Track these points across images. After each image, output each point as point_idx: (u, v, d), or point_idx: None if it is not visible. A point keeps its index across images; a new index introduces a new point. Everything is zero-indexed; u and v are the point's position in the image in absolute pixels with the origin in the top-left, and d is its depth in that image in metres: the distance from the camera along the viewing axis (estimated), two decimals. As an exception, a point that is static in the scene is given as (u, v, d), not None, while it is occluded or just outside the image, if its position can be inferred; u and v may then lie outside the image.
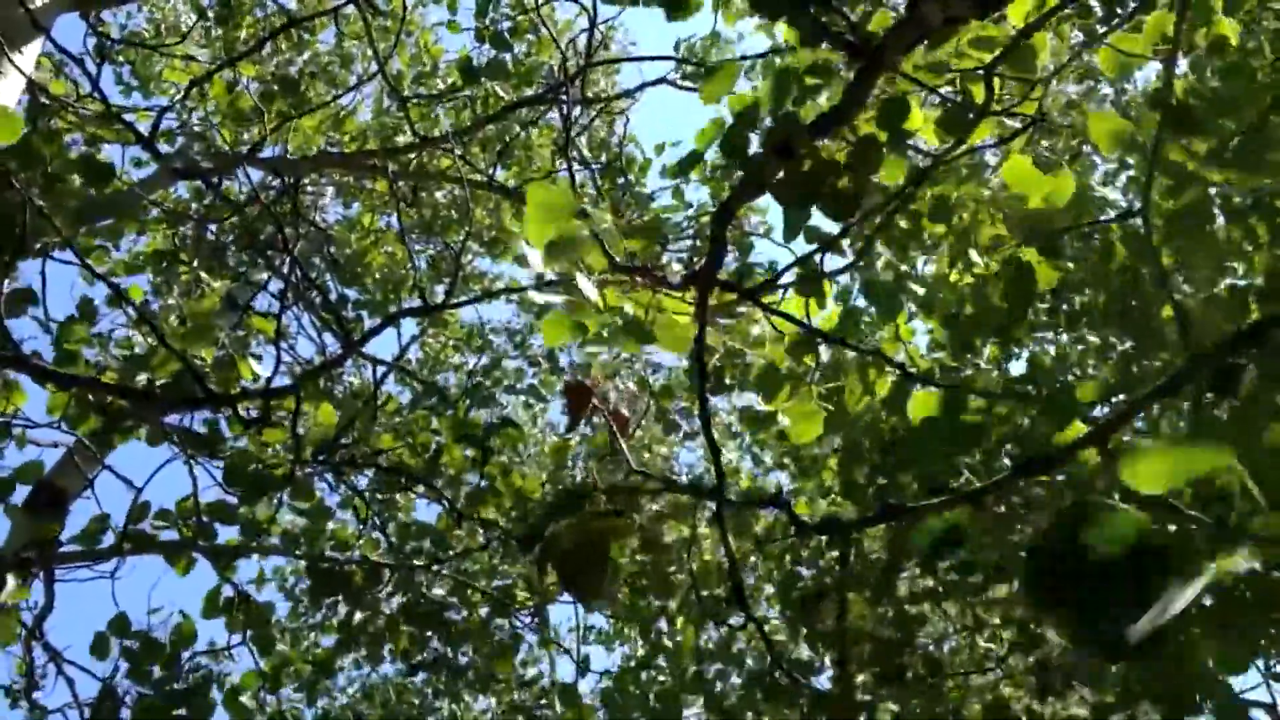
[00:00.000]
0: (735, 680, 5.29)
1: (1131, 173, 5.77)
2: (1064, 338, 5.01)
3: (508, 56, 7.11)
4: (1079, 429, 2.44)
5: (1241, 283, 4.34)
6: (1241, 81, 3.42)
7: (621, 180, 8.36)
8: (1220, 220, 4.17)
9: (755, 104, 3.21)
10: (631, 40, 10.05)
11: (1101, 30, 3.72)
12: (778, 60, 3.47)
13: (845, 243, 3.26)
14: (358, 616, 5.58)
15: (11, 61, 4.27)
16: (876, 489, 3.33)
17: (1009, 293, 3.18)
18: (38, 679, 5.38)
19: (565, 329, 2.46)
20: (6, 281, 4.48)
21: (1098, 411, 4.15)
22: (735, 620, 5.81)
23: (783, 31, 3.37)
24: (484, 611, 5.82)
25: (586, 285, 2.40)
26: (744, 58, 7.06)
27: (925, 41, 2.90)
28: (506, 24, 7.04)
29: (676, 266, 8.22)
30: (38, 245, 4.57)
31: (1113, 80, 6.44)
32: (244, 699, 5.76)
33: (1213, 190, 3.62)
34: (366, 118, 8.74)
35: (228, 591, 5.55)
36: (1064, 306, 4.56)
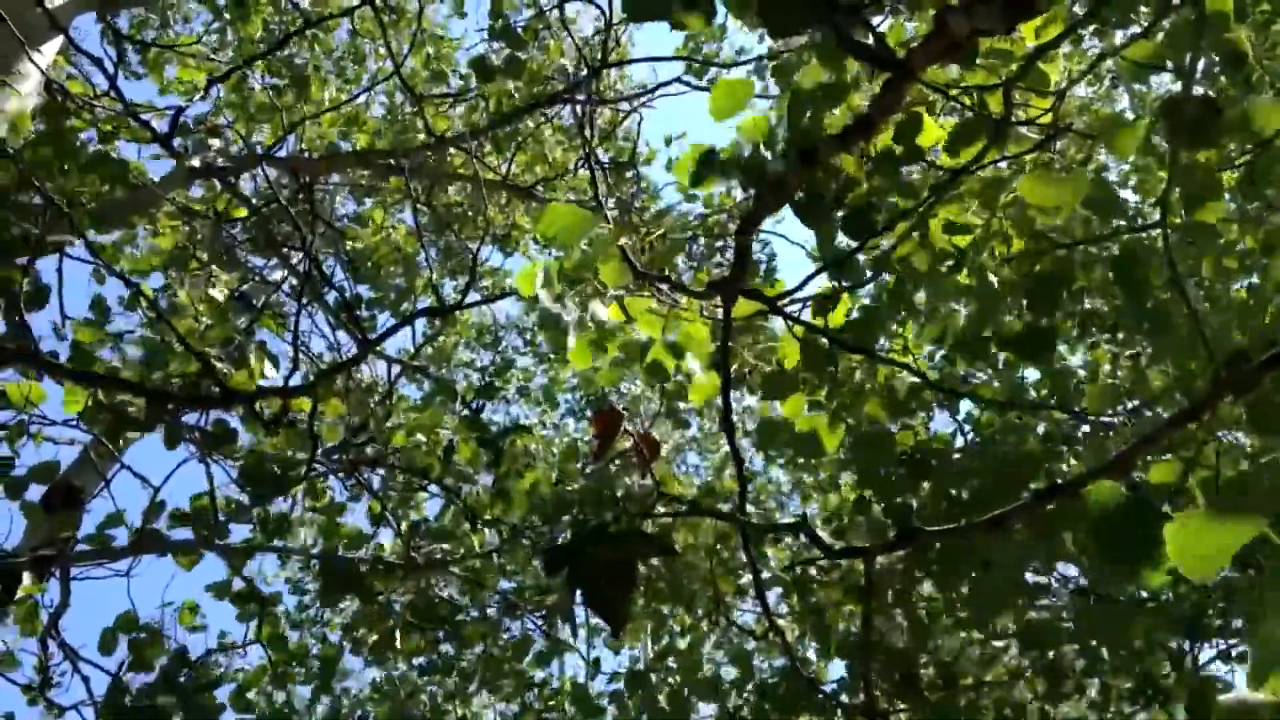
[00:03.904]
0: (750, 686, 5.31)
1: (1145, 176, 5.78)
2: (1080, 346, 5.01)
3: (521, 55, 7.12)
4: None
5: (1253, 282, 4.35)
6: (1255, 95, 3.42)
7: (632, 175, 8.39)
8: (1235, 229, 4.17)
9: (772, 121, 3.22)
10: (637, 28, 9.99)
11: (1119, 38, 3.72)
12: (791, 66, 3.46)
13: (861, 258, 3.28)
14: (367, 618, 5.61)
15: (34, 62, 4.28)
16: (893, 505, 3.35)
17: (1030, 304, 3.19)
18: (54, 677, 5.40)
19: (589, 353, 2.48)
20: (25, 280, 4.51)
21: (1112, 421, 4.16)
22: (750, 624, 5.84)
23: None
24: (494, 611, 5.84)
25: (601, 309, 2.43)
26: (756, 59, 7.08)
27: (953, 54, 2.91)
28: (520, 23, 7.05)
29: (686, 266, 8.24)
30: (53, 241, 4.59)
31: (1129, 84, 6.43)
32: (251, 695, 5.80)
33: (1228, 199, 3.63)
34: (379, 113, 8.76)
35: (238, 585, 5.59)
36: (1079, 311, 4.57)
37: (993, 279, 3.33)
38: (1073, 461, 3.63)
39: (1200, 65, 3.35)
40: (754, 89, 3.09)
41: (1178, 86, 3.42)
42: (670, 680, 5.99)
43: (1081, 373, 4.68)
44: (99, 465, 5.64)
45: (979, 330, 3.60)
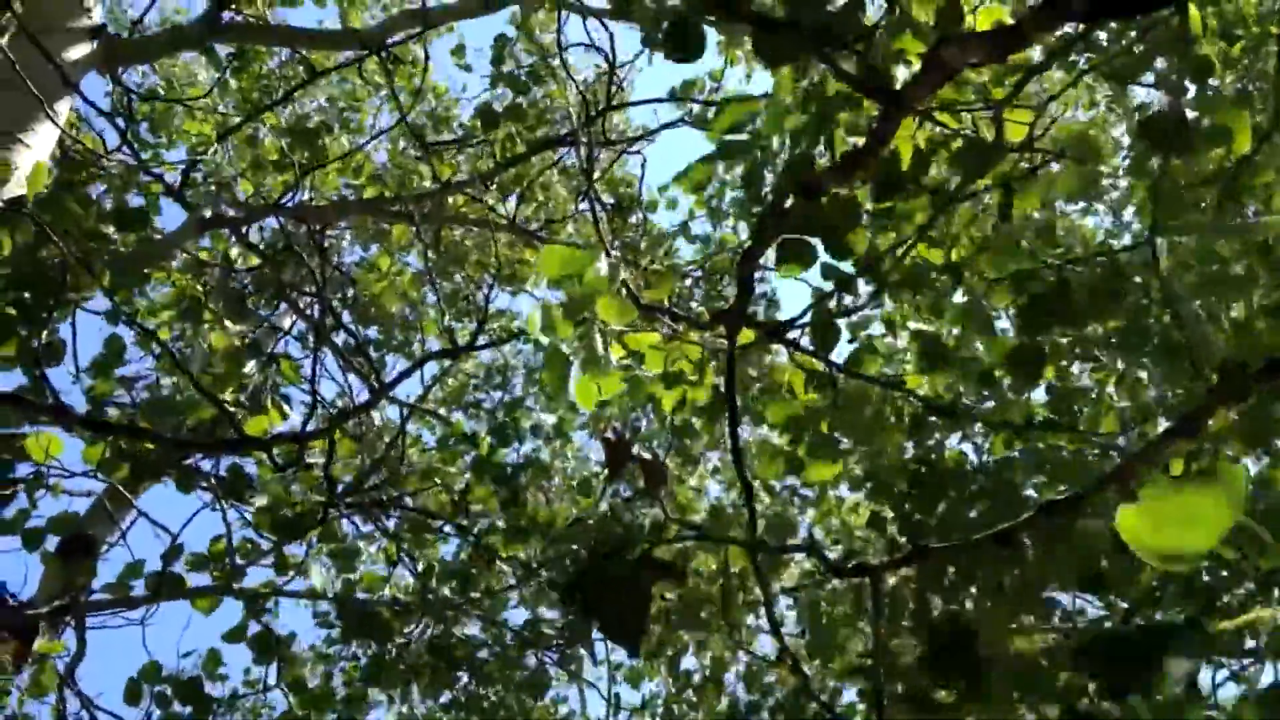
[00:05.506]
0: (765, 715, 5.32)
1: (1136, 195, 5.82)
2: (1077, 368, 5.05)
3: (524, 100, 7.25)
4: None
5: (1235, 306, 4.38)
6: (1234, 111, 3.47)
7: (634, 220, 8.50)
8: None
9: (767, 145, 3.29)
10: (637, 71, 10.17)
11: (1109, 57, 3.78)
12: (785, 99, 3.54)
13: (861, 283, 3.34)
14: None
15: (51, 118, 4.39)
16: (902, 525, 3.38)
17: (1024, 325, 3.24)
18: (71, 727, 5.41)
19: (593, 392, 2.52)
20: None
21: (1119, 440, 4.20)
22: (765, 651, 5.85)
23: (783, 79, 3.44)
24: (512, 648, 5.85)
25: (601, 347, 2.47)
26: (756, 96, 7.18)
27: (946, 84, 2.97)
28: (524, 70, 7.19)
29: (690, 309, 8.32)
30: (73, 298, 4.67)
31: (1118, 107, 6.50)
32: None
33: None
34: (382, 159, 8.89)
35: (254, 628, 5.61)
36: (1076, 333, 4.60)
37: (983, 301, 3.39)
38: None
39: (1182, 80, 3.41)
40: (758, 107, 3.16)
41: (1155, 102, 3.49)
42: (692, 717, 5.99)
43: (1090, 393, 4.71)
44: (114, 514, 5.69)
45: (968, 351, 3.65)
